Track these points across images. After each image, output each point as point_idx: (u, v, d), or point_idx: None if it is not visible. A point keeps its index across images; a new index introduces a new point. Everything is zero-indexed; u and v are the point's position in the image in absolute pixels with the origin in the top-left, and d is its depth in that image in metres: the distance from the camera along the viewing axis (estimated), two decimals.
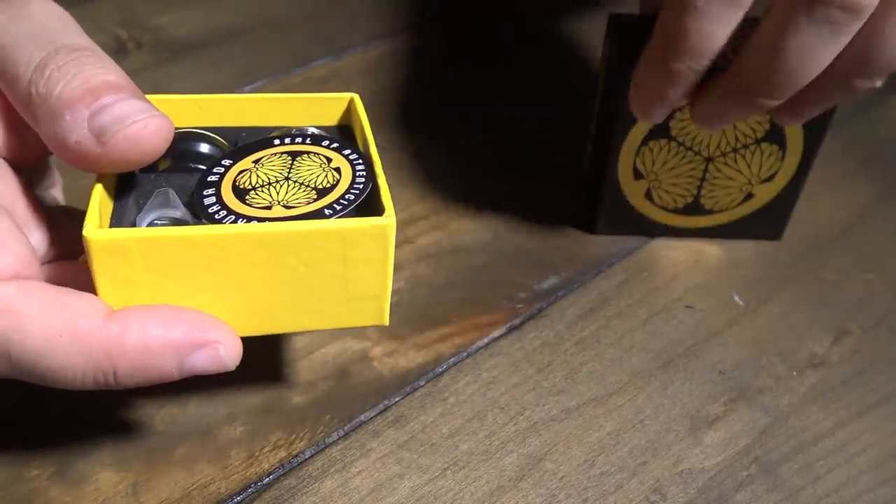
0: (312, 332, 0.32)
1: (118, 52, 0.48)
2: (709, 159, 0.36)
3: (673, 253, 0.38)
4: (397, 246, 0.36)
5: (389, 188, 0.26)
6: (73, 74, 0.23)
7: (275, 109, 0.29)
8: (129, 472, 0.29)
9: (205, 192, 0.25)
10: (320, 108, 0.29)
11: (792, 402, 0.32)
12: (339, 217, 0.24)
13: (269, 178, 0.26)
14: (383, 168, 0.26)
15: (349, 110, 0.30)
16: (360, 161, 0.27)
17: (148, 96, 0.25)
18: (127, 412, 0.31)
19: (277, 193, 0.25)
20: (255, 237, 0.23)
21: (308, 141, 0.27)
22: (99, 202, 0.24)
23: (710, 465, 0.30)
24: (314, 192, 0.25)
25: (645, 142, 0.35)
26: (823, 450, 0.31)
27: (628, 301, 0.36)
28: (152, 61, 0.48)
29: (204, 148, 0.27)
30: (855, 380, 0.33)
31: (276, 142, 0.27)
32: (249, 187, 0.26)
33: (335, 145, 0.27)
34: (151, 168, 0.27)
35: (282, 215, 0.24)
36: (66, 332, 0.22)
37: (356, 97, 0.29)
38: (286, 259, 0.24)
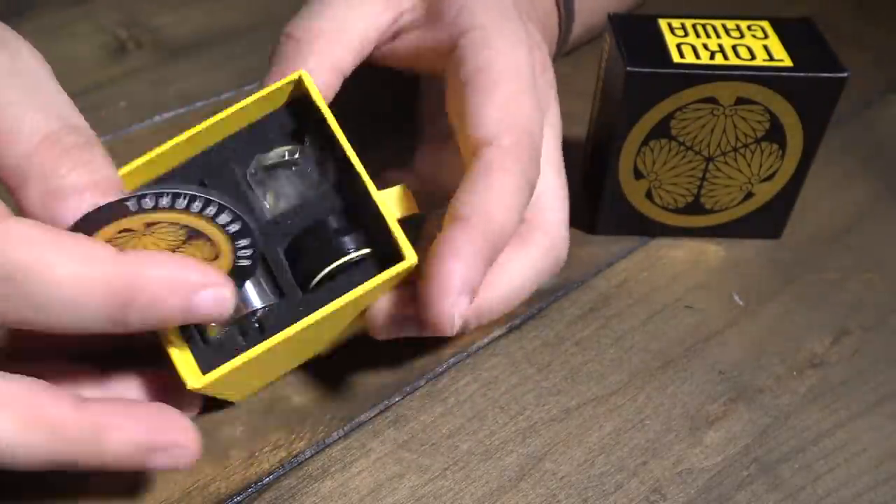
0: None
1: (118, 51, 0.48)
2: (709, 159, 0.36)
3: (673, 253, 0.38)
4: None
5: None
6: (83, 164, 0.23)
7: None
8: (129, 472, 0.29)
9: None
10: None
11: (792, 402, 0.32)
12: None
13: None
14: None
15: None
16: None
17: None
18: None
19: None
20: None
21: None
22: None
23: (710, 465, 0.30)
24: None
25: (645, 141, 0.35)
26: (823, 450, 0.31)
27: (628, 301, 0.36)
28: (152, 61, 0.48)
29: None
30: (855, 380, 0.33)
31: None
32: None
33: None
34: None
35: None
36: (87, 257, 0.22)
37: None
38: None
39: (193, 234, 0.24)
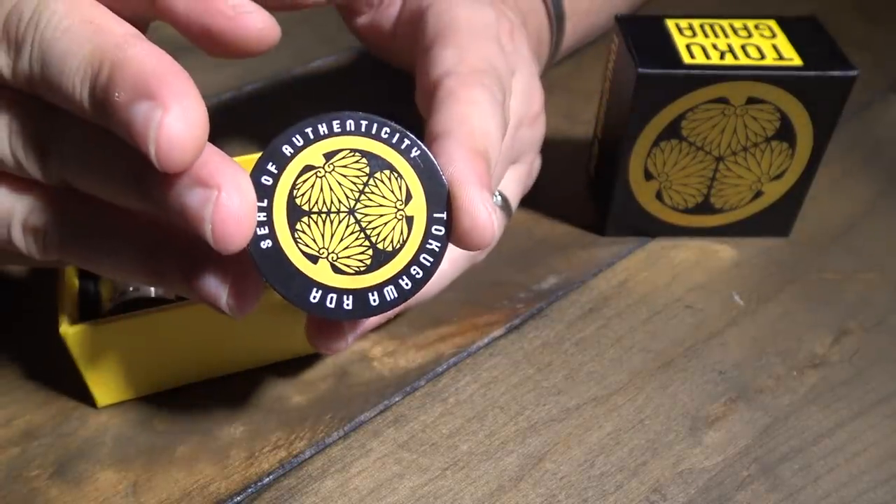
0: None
1: None
2: (719, 158, 0.36)
3: (673, 253, 0.38)
4: None
5: None
6: None
7: None
8: (129, 472, 0.29)
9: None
10: None
11: (792, 402, 0.32)
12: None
13: (332, 202, 0.21)
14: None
15: None
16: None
17: None
18: (127, 412, 0.31)
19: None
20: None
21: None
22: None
23: (710, 465, 0.30)
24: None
25: (656, 142, 0.35)
26: (823, 450, 0.31)
27: (628, 301, 0.36)
28: None
29: None
30: (855, 380, 0.33)
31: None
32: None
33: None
34: None
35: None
36: (92, 17, 0.21)
37: None
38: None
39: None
